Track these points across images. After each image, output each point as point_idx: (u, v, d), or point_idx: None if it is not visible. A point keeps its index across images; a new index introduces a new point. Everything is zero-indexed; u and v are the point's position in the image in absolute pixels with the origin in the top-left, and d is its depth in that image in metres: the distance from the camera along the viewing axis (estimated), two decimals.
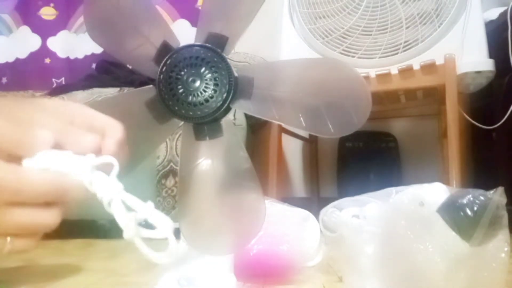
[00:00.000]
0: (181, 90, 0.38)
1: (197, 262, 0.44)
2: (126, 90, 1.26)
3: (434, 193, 0.40)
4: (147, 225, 0.32)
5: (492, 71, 0.95)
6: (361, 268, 0.44)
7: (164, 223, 0.32)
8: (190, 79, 0.38)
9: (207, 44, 0.38)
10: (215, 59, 0.38)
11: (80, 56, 1.73)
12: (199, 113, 0.38)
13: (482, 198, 0.35)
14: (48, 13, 1.79)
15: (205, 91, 0.38)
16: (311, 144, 1.50)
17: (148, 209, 0.32)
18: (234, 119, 1.13)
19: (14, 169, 0.28)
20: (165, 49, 0.39)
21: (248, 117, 1.18)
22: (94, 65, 1.61)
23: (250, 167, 0.40)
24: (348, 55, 1.01)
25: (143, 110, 0.40)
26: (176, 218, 0.41)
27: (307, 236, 0.61)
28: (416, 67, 0.96)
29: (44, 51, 1.74)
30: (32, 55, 1.74)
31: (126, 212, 0.32)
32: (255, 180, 0.40)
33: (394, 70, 0.98)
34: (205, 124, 0.39)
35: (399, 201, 0.43)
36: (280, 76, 0.41)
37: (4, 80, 1.75)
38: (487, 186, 0.37)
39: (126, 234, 0.31)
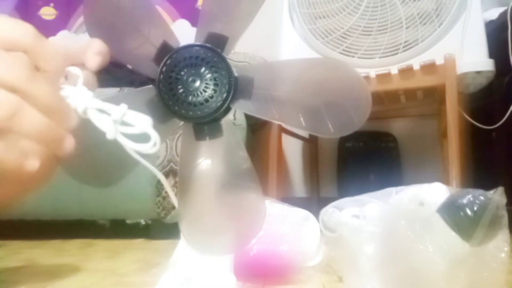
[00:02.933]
0: (181, 90, 0.38)
1: (197, 262, 0.44)
2: (126, 90, 1.26)
3: (434, 193, 0.40)
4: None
5: (492, 71, 0.95)
6: (361, 268, 0.44)
7: (141, 119, 0.33)
8: (190, 79, 0.38)
9: (207, 44, 0.38)
10: (215, 59, 0.38)
11: None
12: (199, 113, 0.38)
13: (482, 198, 0.35)
14: (48, 13, 1.79)
15: (205, 91, 0.38)
16: (311, 144, 1.50)
17: (122, 110, 0.33)
18: (234, 119, 1.13)
19: None
20: (165, 49, 0.39)
21: (248, 117, 1.18)
22: None
23: (250, 167, 0.40)
24: (348, 55, 1.01)
25: (143, 110, 0.40)
26: (176, 218, 0.41)
27: (307, 236, 0.61)
28: (416, 67, 0.96)
29: None
30: None
31: (102, 115, 0.32)
32: (255, 180, 0.40)
33: (394, 70, 0.98)
34: (205, 124, 0.39)
35: (399, 201, 0.43)
36: (280, 76, 0.41)
37: None
38: (487, 186, 0.37)
39: (109, 135, 0.32)
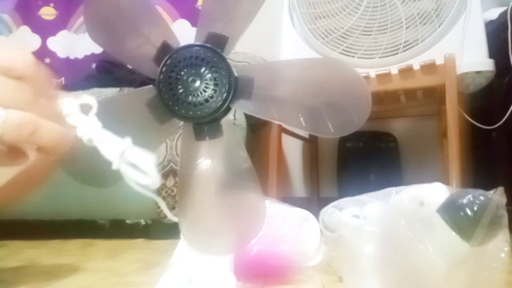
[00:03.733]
0: (181, 90, 0.38)
1: (197, 262, 0.44)
2: (126, 90, 1.26)
3: (434, 193, 0.40)
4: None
5: (492, 71, 0.95)
6: (361, 268, 0.44)
7: (146, 157, 0.33)
8: (190, 79, 0.38)
9: (207, 44, 0.38)
10: (215, 59, 0.38)
11: (80, 56, 1.73)
12: (199, 113, 0.38)
13: (482, 198, 0.35)
14: (48, 13, 1.79)
15: (205, 91, 0.38)
16: (311, 144, 1.50)
17: (125, 144, 0.33)
18: (234, 119, 1.13)
19: None
20: (165, 49, 0.39)
21: (248, 117, 1.18)
22: (94, 65, 1.61)
23: (250, 167, 0.40)
24: (348, 55, 1.01)
25: (143, 110, 0.40)
26: (176, 218, 0.41)
27: (307, 236, 0.61)
28: (416, 67, 0.96)
29: (44, 51, 1.74)
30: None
31: (109, 145, 0.33)
32: (255, 180, 0.40)
33: (394, 70, 0.98)
34: (205, 124, 0.39)
35: (399, 201, 0.43)
36: (280, 76, 0.41)
37: None
38: (487, 186, 0.37)
39: (115, 165, 0.33)
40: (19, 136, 0.28)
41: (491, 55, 0.95)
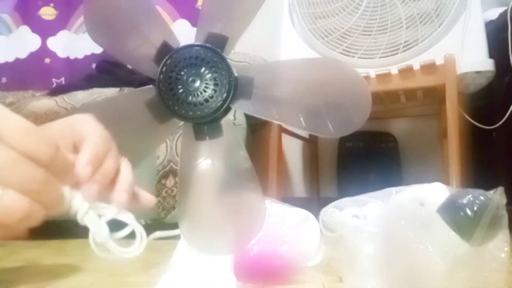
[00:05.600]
0: (181, 90, 0.38)
1: (197, 262, 0.44)
2: (126, 90, 1.26)
3: (434, 193, 0.40)
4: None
5: (492, 71, 0.95)
6: (361, 268, 0.44)
7: (129, 219, 0.36)
8: (190, 79, 0.38)
9: (207, 44, 0.38)
10: (215, 59, 0.38)
11: (80, 56, 1.73)
12: (199, 113, 0.38)
13: (482, 198, 0.35)
14: (48, 13, 1.79)
15: (205, 91, 0.38)
16: (311, 144, 1.50)
17: (113, 210, 0.35)
18: (234, 119, 1.13)
19: None
20: (165, 49, 0.39)
21: (248, 117, 1.18)
22: (94, 65, 1.62)
23: (250, 167, 0.40)
24: (348, 55, 1.01)
25: (143, 110, 0.40)
26: (176, 218, 0.41)
27: (307, 236, 0.61)
28: (416, 67, 0.96)
29: (44, 51, 1.74)
30: (32, 55, 1.74)
31: (97, 219, 0.35)
32: (255, 180, 0.40)
33: (394, 70, 0.98)
34: (205, 124, 0.39)
35: (399, 201, 0.43)
36: (280, 76, 0.41)
37: (4, 80, 1.75)
38: (487, 186, 0.37)
39: (99, 238, 0.36)
40: (8, 219, 0.29)
41: (491, 55, 0.95)
